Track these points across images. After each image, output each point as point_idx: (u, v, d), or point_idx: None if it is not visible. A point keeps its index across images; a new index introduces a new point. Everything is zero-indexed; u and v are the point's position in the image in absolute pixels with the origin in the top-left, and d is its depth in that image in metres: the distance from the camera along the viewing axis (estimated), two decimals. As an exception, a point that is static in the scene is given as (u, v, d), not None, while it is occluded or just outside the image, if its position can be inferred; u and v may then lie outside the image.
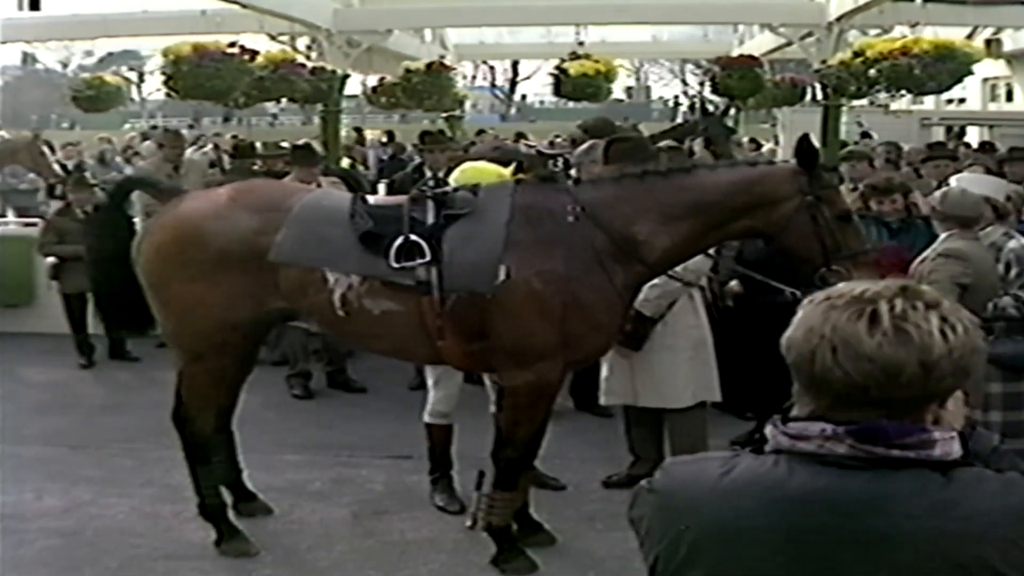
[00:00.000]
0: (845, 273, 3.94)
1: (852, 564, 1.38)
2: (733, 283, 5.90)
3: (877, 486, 1.39)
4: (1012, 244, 4.80)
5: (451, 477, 5.17)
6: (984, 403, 4.62)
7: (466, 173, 4.61)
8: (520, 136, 18.01)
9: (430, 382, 5.07)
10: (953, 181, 5.23)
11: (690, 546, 1.46)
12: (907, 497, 1.38)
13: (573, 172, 4.78)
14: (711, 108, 8.41)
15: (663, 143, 7.55)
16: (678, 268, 4.68)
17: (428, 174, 7.31)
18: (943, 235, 4.69)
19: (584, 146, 5.27)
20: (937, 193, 5.01)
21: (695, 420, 5.24)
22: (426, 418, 5.10)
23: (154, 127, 21.91)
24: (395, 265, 4.16)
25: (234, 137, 16.58)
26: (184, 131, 15.04)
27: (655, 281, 4.67)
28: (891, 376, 1.39)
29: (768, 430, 1.49)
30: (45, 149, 10.25)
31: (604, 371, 5.26)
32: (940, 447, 1.41)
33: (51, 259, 8.32)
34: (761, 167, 4.43)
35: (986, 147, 11.67)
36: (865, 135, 13.01)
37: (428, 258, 4.14)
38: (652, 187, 4.21)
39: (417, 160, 9.09)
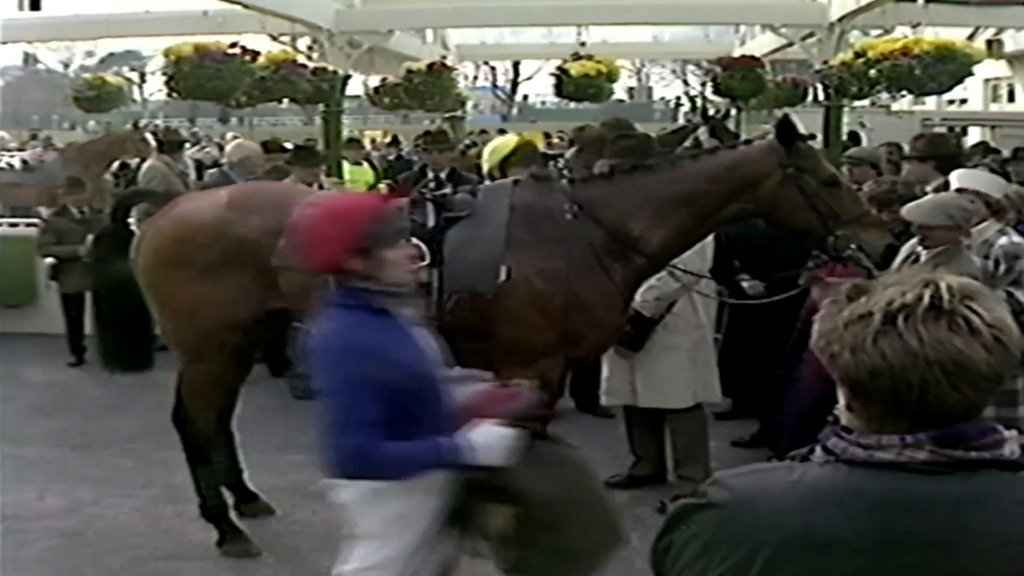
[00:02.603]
0: (854, 237, 4.06)
1: (943, 566, 1.36)
2: (753, 283, 5.82)
3: (959, 488, 1.38)
4: (1002, 241, 4.74)
5: None
6: None
7: (497, 150, 4.78)
8: (547, 136, 17.96)
9: None
10: (953, 179, 5.22)
11: (767, 560, 1.40)
12: (988, 497, 1.38)
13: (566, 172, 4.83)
14: (711, 110, 8.43)
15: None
16: (677, 267, 4.68)
17: (430, 175, 7.33)
18: (931, 252, 4.44)
19: (573, 148, 5.32)
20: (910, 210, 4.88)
21: (696, 420, 5.25)
22: None
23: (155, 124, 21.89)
24: None
25: (235, 137, 16.57)
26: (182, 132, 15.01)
27: (652, 283, 4.68)
28: (995, 385, 1.39)
29: (832, 441, 1.45)
30: (148, 137, 10.25)
31: (605, 371, 5.26)
32: (1008, 446, 1.42)
33: (50, 259, 8.33)
34: (739, 149, 4.42)
35: (978, 147, 11.63)
36: (853, 136, 12.85)
37: (428, 261, 4.14)
38: (641, 182, 4.25)
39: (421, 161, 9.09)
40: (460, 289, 4.15)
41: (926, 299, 1.38)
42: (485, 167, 5.10)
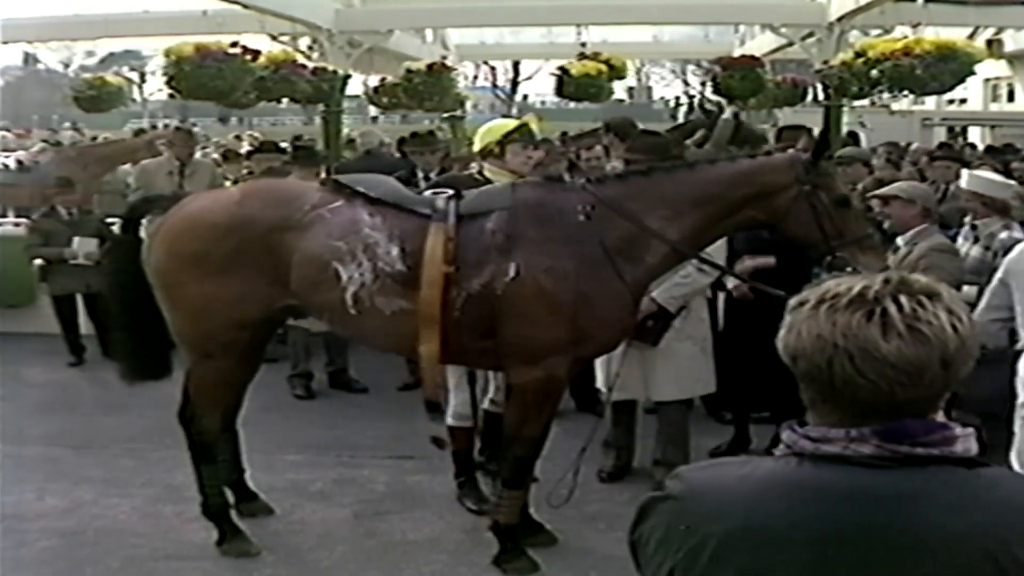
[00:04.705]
0: (851, 258, 4.11)
1: (885, 560, 1.38)
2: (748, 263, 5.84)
3: (906, 482, 1.40)
4: (1003, 235, 5.05)
5: (476, 479, 5.20)
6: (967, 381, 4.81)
7: (493, 129, 4.99)
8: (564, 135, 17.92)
9: (451, 384, 5.07)
10: (963, 178, 5.41)
11: (714, 551, 1.43)
12: (936, 492, 1.39)
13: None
14: (709, 107, 8.43)
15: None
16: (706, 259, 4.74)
17: (420, 175, 7.36)
18: (916, 228, 4.84)
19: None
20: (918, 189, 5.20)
21: (683, 411, 5.41)
22: (449, 421, 5.05)
23: (153, 126, 21.90)
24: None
25: (237, 137, 16.57)
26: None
27: (678, 279, 4.77)
28: (915, 378, 1.38)
29: (785, 435, 1.48)
30: (161, 146, 10.16)
31: (614, 367, 5.26)
32: (961, 443, 1.42)
33: (39, 261, 8.33)
34: (759, 159, 4.47)
35: (991, 150, 11.70)
36: (852, 136, 12.85)
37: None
38: (657, 183, 4.27)
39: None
40: (469, 286, 4.15)
41: (856, 290, 1.41)
42: (477, 146, 5.11)
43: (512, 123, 5.16)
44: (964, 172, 5.67)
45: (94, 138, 17.94)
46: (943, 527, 1.37)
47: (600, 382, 5.47)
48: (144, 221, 5.00)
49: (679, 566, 1.46)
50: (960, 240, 5.44)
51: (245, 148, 11.94)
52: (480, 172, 5.06)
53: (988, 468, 1.44)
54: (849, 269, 4.14)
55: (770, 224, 4.36)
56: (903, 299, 1.40)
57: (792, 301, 1.47)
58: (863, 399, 1.40)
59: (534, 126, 5.12)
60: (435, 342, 4.16)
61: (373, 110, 21.09)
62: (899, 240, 4.80)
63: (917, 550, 1.37)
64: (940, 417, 1.46)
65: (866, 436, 1.41)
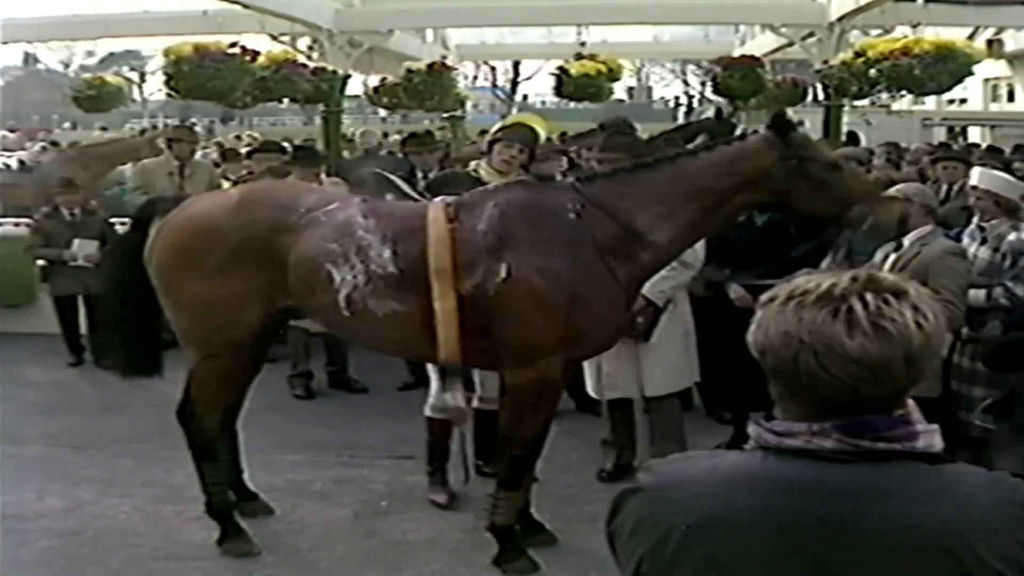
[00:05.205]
0: (868, 211, 4.16)
1: (843, 552, 1.40)
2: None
3: (866, 476, 1.42)
4: (1012, 237, 5.00)
5: (446, 471, 5.25)
6: (970, 379, 4.97)
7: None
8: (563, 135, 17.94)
9: (433, 376, 5.10)
10: (976, 175, 5.38)
11: (680, 541, 1.46)
12: (896, 486, 1.41)
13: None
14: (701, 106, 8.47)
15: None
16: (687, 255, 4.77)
17: (419, 175, 7.38)
18: (921, 229, 4.75)
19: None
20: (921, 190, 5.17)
21: (675, 405, 5.43)
22: (427, 412, 5.16)
23: (154, 126, 21.89)
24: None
25: (237, 137, 16.57)
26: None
27: (664, 273, 4.75)
28: (878, 374, 1.40)
29: (751, 429, 1.50)
30: (161, 144, 10.12)
31: (605, 367, 5.27)
32: (923, 439, 1.45)
33: (40, 261, 8.32)
34: (736, 144, 4.40)
35: (992, 150, 11.67)
36: (851, 136, 12.83)
37: None
38: (644, 180, 4.25)
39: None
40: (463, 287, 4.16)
41: (824, 287, 1.43)
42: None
43: (522, 117, 5.17)
44: (976, 170, 5.60)
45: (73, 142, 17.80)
46: (901, 521, 1.39)
47: (590, 387, 5.49)
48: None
49: (647, 555, 1.49)
50: (966, 240, 5.39)
51: (243, 148, 11.90)
52: (475, 171, 5.11)
53: (952, 464, 1.46)
54: (867, 225, 4.22)
55: (775, 206, 4.40)
56: (869, 297, 1.41)
57: (763, 297, 1.50)
58: (827, 395, 1.42)
59: (537, 125, 5.13)
60: (451, 298, 4.12)
61: (383, 111, 21.11)
62: (904, 240, 4.76)
63: (875, 543, 1.39)
64: (919, 415, 1.48)
65: (828, 430, 1.43)
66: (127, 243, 4.89)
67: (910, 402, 1.48)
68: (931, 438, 1.45)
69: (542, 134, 5.32)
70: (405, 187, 4.79)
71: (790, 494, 1.42)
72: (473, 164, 5.36)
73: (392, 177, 4.88)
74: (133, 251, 4.70)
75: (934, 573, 1.37)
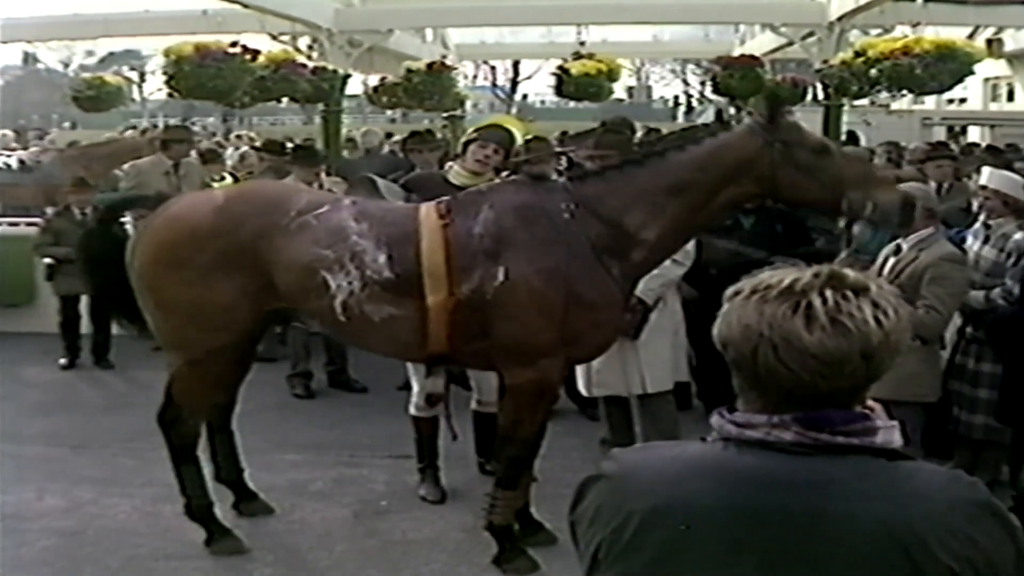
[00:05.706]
0: (866, 196, 3.98)
1: (797, 543, 1.41)
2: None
3: (823, 469, 1.43)
4: (1018, 236, 4.99)
5: (437, 468, 5.27)
6: (973, 380, 5.03)
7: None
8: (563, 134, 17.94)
9: (413, 377, 5.11)
10: (985, 175, 5.38)
11: (637, 528, 1.48)
12: (853, 479, 1.43)
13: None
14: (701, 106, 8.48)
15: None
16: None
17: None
18: (920, 232, 4.62)
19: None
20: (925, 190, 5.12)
21: (668, 401, 5.39)
22: (412, 411, 5.17)
23: (154, 126, 21.89)
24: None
25: (238, 137, 16.57)
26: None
27: (653, 272, 4.71)
28: (836, 369, 1.42)
29: (714, 420, 1.52)
30: (155, 144, 10.07)
31: (595, 364, 5.25)
32: (882, 435, 1.46)
33: (47, 260, 8.31)
34: (720, 136, 4.28)
35: (991, 149, 11.67)
36: (851, 136, 12.82)
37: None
38: (633, 176, 4.19)
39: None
40: (459, 291, 4.14)
41: (787, 282, 1.45)
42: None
43: (498, 119, 5.15)
44: (986, 169, 5.57)
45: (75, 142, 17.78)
46: (855, 515, 1.40)
47: (580, 384, 5.48)
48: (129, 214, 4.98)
49: (605, 541, 1.51)
50: (970, 239, 5.37)
51: (231, 151, 11.88)
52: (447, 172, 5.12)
53: (909, 460, 1.48)
54: (868, 212, 4.03)
55: (766, 195, 4.25)
56: (829, 293, 1.43)
57: (728, 291, 1.51)
58: (786, 388, 1.44)
59: (513, 127, 5.09)
60: (443, 291, 4.11)
61: (387, 111, 21.10)
62: (903, 243, 4.67)
63: (828, 536, 1.40)
64: (880, 410, 1.49)
65: (787, 423, 1.45)
66: (92, 237, 4.87)
67: (871, 402, 1.50)
68: (890, 434, 1.47)
69: (518, 136, 5.28)
70: (395, 190, 4.78)
71: (748, 484, 1.44)
72: (448, 165, 5.34)
73: (380, 183, 4.85)
74: (100, 246, 4.71)
75: (886, 567, 1.39)
